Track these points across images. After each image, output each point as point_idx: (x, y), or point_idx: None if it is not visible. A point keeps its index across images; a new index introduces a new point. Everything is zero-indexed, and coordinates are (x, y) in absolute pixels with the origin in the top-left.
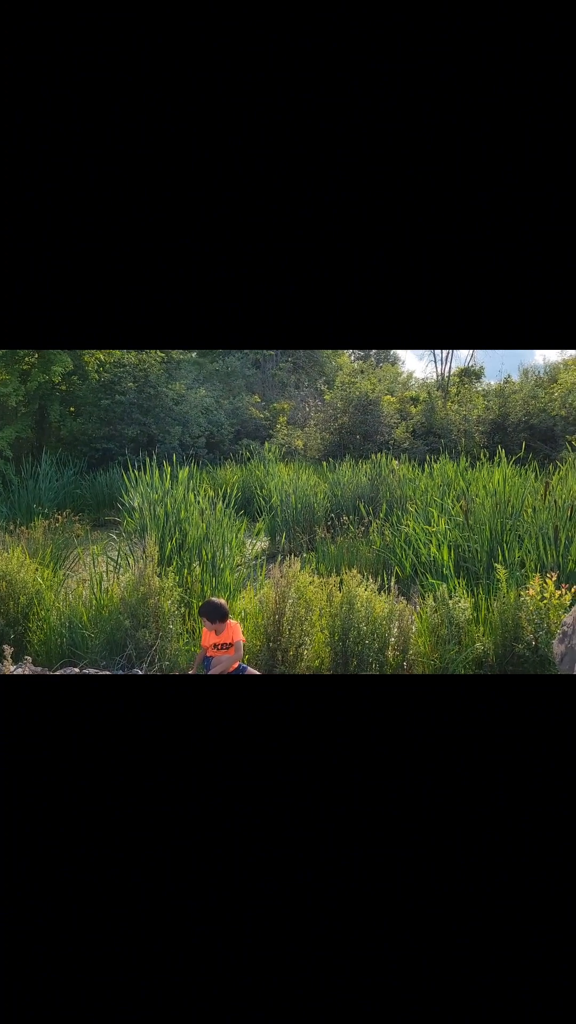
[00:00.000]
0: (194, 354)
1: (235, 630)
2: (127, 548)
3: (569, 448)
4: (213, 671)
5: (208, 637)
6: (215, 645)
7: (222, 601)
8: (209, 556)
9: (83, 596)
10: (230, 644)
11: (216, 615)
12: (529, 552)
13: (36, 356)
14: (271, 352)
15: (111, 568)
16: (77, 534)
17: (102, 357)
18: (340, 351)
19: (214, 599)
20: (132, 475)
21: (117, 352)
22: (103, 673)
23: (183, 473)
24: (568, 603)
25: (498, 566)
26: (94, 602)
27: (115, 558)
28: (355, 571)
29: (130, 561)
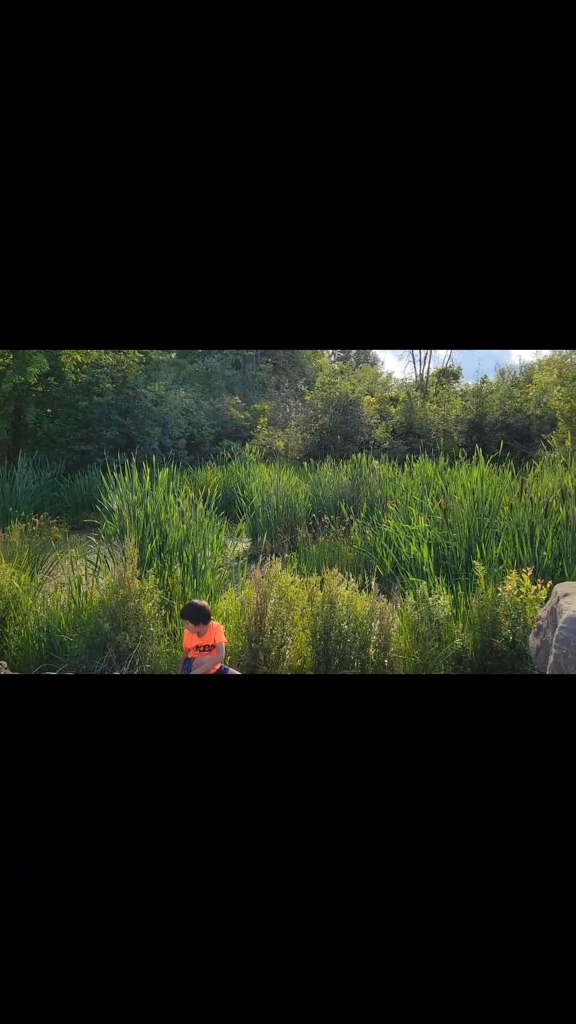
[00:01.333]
0: (173, 355)
1: (217, 631)
2: (106, 551)
3: (544, 447)
4: (195, 672)
5: (190, 640)
6: (197, 647)
7: (204, 603)
8: (190, 558)
9: (61, 600)
10: (212, 646)
11: (199, 617)
12: (506, 549)
13: (11, 357)
14: (251, 353)
15: (90, 571)
16: (55, 537)
17: (79, 358)
18: (320, 352)
19: (196, 601)
20: (111, 477)
21: (95, 353)
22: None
23: (163, 474)
24: (544, 598)
25: (476, 563)
26: (73, 606)
27: (94, 561)
28: (335, 570)
29: (109, 564)
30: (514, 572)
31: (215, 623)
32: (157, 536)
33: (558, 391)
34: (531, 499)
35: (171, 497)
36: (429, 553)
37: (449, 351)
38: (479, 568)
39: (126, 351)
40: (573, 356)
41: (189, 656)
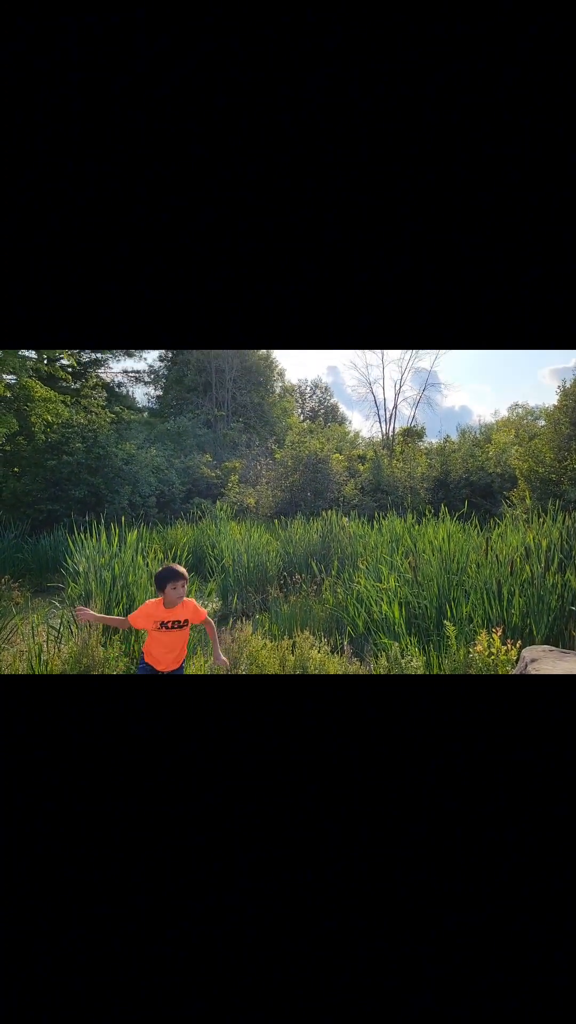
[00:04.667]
0: (145, 414)
1: (193, 606)
2: (70, 615)
3: (506, 504)
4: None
5: (156, 611)
6: (162, 623)
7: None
8: None
9: (19, 671)
10: (182, 623)
11: (180, 577)
12: (475, 607)
13: None
14: (222, 412)
15: (52, 638)
16: (16, 601)
17: (49, 418)
18: (289, 411)
19: (171, 564)
20: (78, 538)
21: (65, 413)
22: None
23: (132, 536)
24: (514, 658)
25: (447, 623)
26: None
27: (57, 627)
28: (307, 633)
29: (73, 630)
30: (484, 632)
31: (188, 599)
32: (124, 599)
33: (516, 450)
34: (496, 557)
35: (139, 558)
36: (400, 612)
37: (413, 411)
38: (450, 628)
39: (96, 411)
40: (529, 417)
41: (153, 633)
